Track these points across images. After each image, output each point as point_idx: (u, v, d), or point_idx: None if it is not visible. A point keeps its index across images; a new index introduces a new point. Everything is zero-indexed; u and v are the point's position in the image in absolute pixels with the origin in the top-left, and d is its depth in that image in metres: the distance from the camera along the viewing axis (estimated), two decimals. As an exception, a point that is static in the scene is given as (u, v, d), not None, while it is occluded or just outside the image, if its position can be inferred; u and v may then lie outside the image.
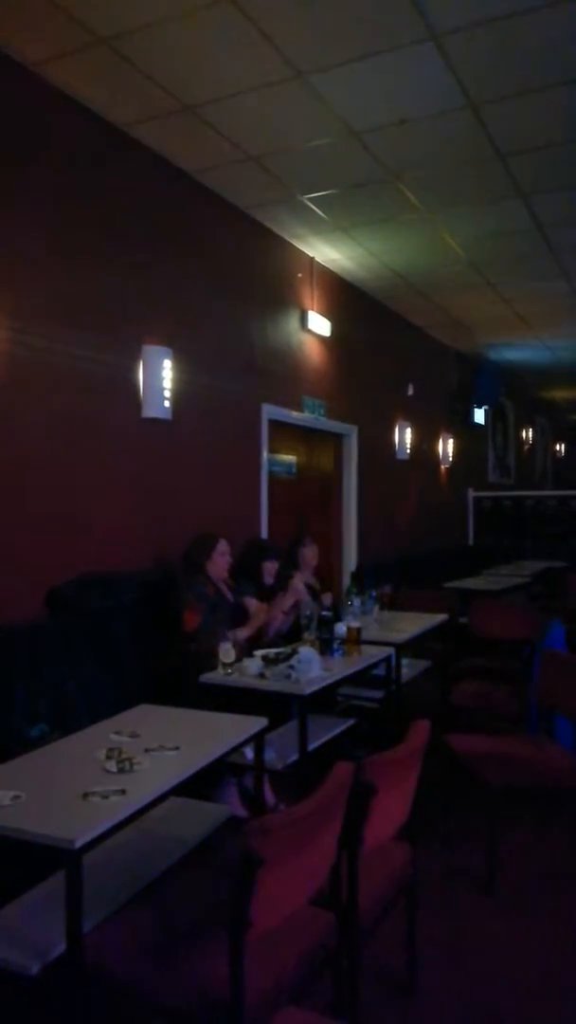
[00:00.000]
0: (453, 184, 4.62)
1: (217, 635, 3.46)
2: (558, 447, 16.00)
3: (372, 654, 3.73)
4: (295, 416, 5.68)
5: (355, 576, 6.16)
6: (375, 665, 3.79)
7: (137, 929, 1.91)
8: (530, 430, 13.29)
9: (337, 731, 3.67)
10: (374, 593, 4.69)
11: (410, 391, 7.83)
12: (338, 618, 3.86)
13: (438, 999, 2.36)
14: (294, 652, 3.27)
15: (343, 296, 6.39)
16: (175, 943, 1.83)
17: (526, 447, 13.11)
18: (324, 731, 3.58)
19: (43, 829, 1.76)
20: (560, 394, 13.12)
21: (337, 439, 6.56)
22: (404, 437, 7.57)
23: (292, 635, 3.91)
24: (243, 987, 1.61)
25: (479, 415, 9.67)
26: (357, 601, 4.45)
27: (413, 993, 2.38)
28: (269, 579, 4.19)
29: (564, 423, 16.04)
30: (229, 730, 2.53)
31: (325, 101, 3.66)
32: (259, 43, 3.21)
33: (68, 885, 1.71)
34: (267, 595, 4.07)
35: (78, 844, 1.69)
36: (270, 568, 4.21)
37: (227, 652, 3.21)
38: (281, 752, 3.23)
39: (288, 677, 3.14)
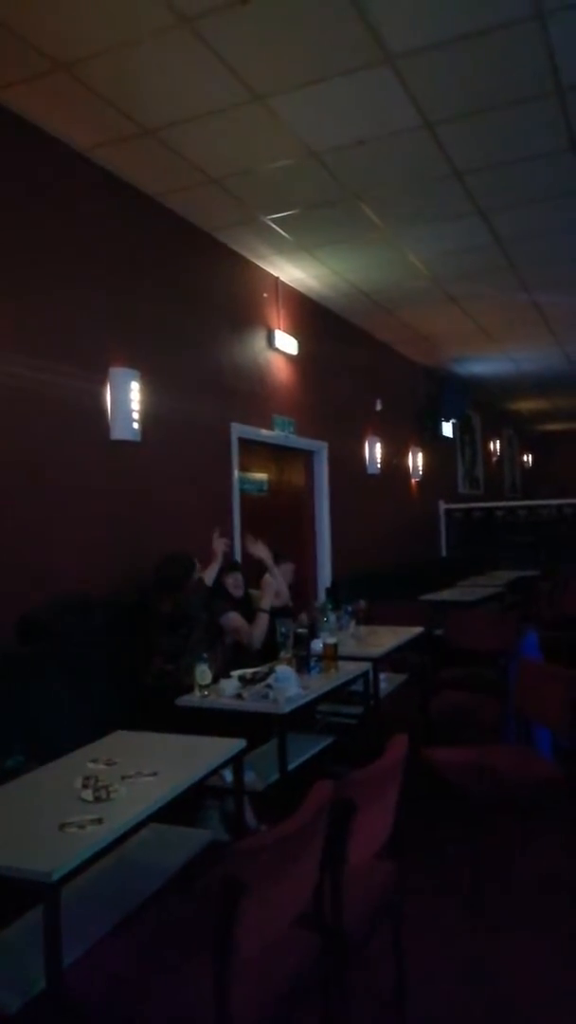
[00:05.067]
0: (413, 202, 4.70)
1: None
2: (526, 458, 16.21)
3: (349, 670, 3.73)
4: (265, 434, 5.69)
5: (330, 592, 6.16)
6: (353, 681, 3.79)
7: (119, 960, 1.87)
8: (498, 442, 13.45)
9: (317, 749, 3.65)
10: (349, 608, 4.70)
11: (378, 406, 7.89)
12: (314, 635, 3.86)
13: (428, 1017, 2.34)
14: (271, 671, 3.26)
15: (309, 314, 6.43)
16: (159, 972, 1.79)
17: (494, 458, 13.26)
18: (304, 749, 3.56)
19: (19, 863, 1.73)
20: (526, 405, 13.31)
21: (308, 456, 6.58)
22: (374, 452, 7.62)
23: (269, 654, 3.89)
24: (229, 1014, 1.58)
25: (447, 428, 9.77)
26: (333, 617, 4.45)
27: (403, 1012, 2.35)
28: (237, 591, 4.18)
29: (531, 434, 16.26)
30: (207, 753, 2.50)
31: (284, 123, 3.70)
32: (216, 67, 3.24)
33: (46, 919, 1.67)
34: (239, 607, 4.06)
35: (55, 877, 1.66)
36: (233, 581, 4.20)
37: (203, 674, 3.18)
38: (261, 773, 3.20)
39: (266, 696, 3.12)
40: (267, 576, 4.28)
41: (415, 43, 3.14)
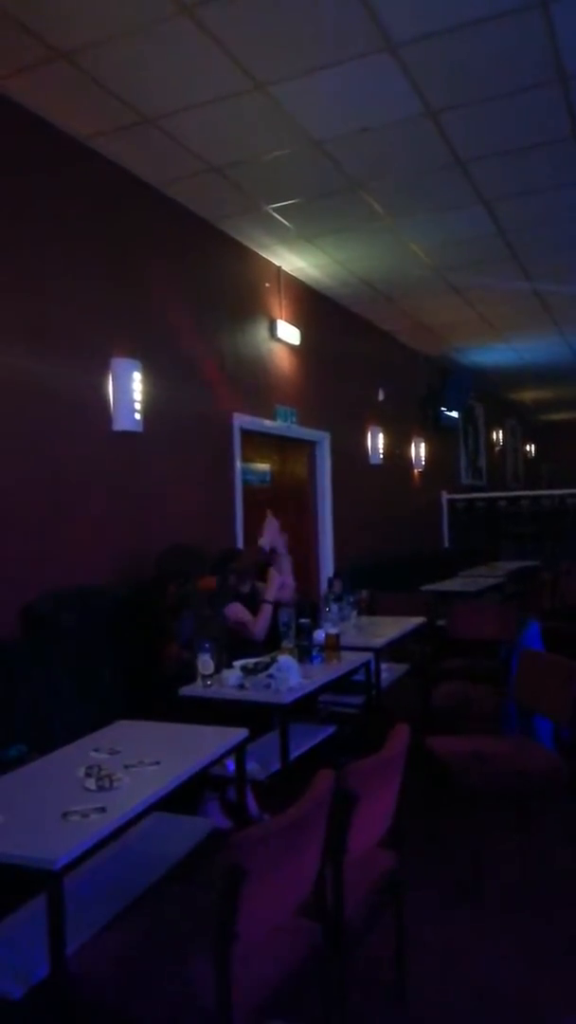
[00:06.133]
0: (415, 191, 4.67)
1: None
2: (528, 447, 16.19)
3: (351, 660, 3.74)
4: (267, 425, 5.69)
5: (332, 582, 6.16)
6: (355, 671, 3.80)
7: (122, 948, 1.88)
8: (500, 432, 13.43)
9: (319, 739, 3.67)
10: (352, 598, 4.71)
11: (381, 396, 7.87)
12: (316, 625, 3.87)
13: (428, 1005, 2.36)
14: (273, 661, 3.27)
15: (311, 304, 6.41)
16: (161, 960, 1.81)
17: (497, 448, 13.23)
18: (306, 739, 3.57)
19: (22, 851, 1.74)
20: (529, 395, 13.28)
21: (310, 446, 6.58)
22: (376, 442, 7.61)
23: (271, 643, 3.90)
24: (230, 1001, 1.60)
25: (450, 418, 9.75)
26: (335, 607, 4.46)
27: (403, 1000, 2.37)
28: (242, 587, 4.17)
29: (534, 424, 16.23)
30: (209, 742, 2.52)
31: (286, 111, 3.68)
32: (218, 55, 3.22)
33: (49, 907, 1.69)
34: (244, 600, 4.06)
35: (58, 865, 1.67)
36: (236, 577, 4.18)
37: (205, 664, 3.19)
38: (263, 762, 3.22)
39: (268, 686, 3.13)
40: (272, 569, 4.28)
41: (417, 31, 3.12)
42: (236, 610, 3.95)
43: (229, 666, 3.34)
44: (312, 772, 1.87)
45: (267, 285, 5.74)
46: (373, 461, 7.59)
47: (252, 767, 3.05)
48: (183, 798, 2.46)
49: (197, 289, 4.89)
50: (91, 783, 2.10)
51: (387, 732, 2.21)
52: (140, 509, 4.22)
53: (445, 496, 9.91)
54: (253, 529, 5.28)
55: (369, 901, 2.16)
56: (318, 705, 4.10)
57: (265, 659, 3.36)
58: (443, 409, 9.40)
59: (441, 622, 5.13)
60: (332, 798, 1.88)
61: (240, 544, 5.08)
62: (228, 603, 3.72)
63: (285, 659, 3.26)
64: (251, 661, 3.35)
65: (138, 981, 1.76)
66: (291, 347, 6.02)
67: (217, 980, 1.60)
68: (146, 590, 3.83)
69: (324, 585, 6.17)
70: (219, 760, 2.52)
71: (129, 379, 4.08)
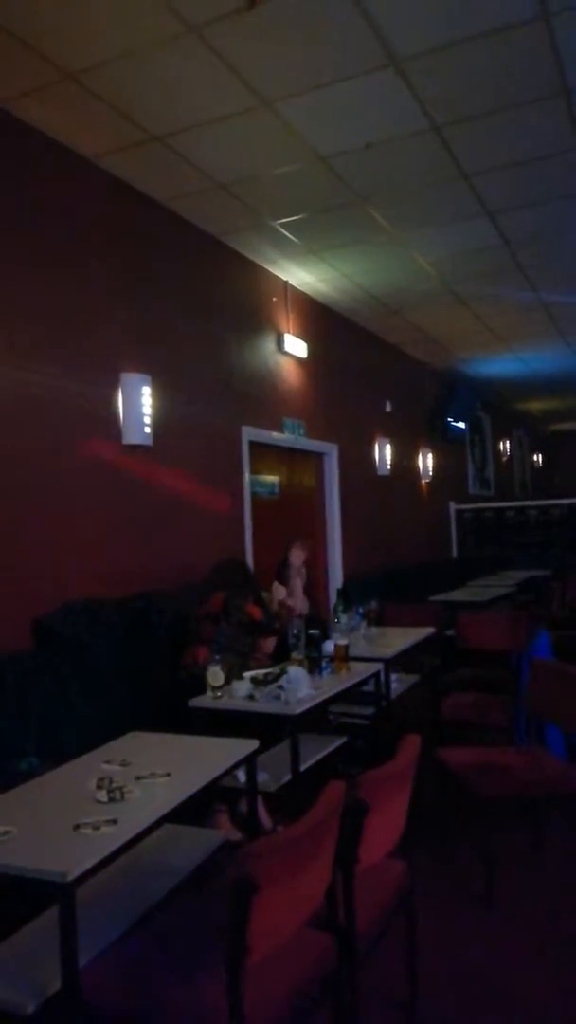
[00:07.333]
0: (421, 204, 4.71)
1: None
2: (536, 457, 16.15)
3: (361, 671, 3.74)
4: (275, 437, 5.71)
5: (341, 593, 6.17)
6: (365, 681, 3.79)
7: (134, 961, 1.88)
8: (508, 442, 13.42)
9: (329, 749, 3.66)
10: (361, 609, 4.70)
11: (388, 408, 7.89)
12: (326, 636, 3.87)
13: (440, 1018, 2.35)
14: (283, 672, 3.27)
15: (318, 318, 6.45)
16: (173, 973, 1.81)
17: (504, 459, 13.22)
18: (316, 750, 3.57)
19: (34, 863, 1.74)
20: (536, 405, 13.27)
21: (318, 458, 6.60)
22: (384, 454, 7.62)
23: (280, 655, 3.90)
24: (242, 1015, 1.59)
25: (457, 429, 9.75)
26: (344, 618, 4.46)
27: (415, 1013, 2.36)
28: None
29: (541, 434, 16.21)
30: (220, 754, 2.52)
31: (292, 128, 3.72)
32: (224, 73, 3.26)
33: (62, 919, 1.69)
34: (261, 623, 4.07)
35: (70, 877, 1.68)
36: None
37: (215, 675, 3.20)
38: (274, 773, 3.21)
39: (278, 698, 3.14)
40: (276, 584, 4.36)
41: (421, 46, 3.16)
42: (268, 644, 3.99)
43: (240, 677, 3.35)
44: (322, 783, 1.87)
45: (274, 299, 5.78)
46: (381, 472, 7.60)
47: (263, 778, 3.05)
48: (192, 808, 2.46)
49: (205, 304, 4.93)
50: (102, 795, 2.10)
51: (397, 743, 2.21)
52: (151, 522, 4.24)
53: (453, 506, 9.91)
54: (262, 541, 5.30)
55: (380, 912, 2.15)
56: (328, 716, 4.10)
57: (275, 670, 3.37)
58: (450, 420, 9.40)
59: (450, 632, 5.11)
60: (343, 809, 1.88)
61: (250, 555, 5.09)
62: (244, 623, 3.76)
63: (295, 670, 3.26)
64: (261, 672, 3.36)
65: (150, 995, 1.76)
66: (298, 360, 6.05)
67: (229, 994, 1.59)
68: (161, 600, 3.85)
69: (333, 596, 6.17)
70: (230, 772, 2.52)
71: (139, 393, 4.11)
